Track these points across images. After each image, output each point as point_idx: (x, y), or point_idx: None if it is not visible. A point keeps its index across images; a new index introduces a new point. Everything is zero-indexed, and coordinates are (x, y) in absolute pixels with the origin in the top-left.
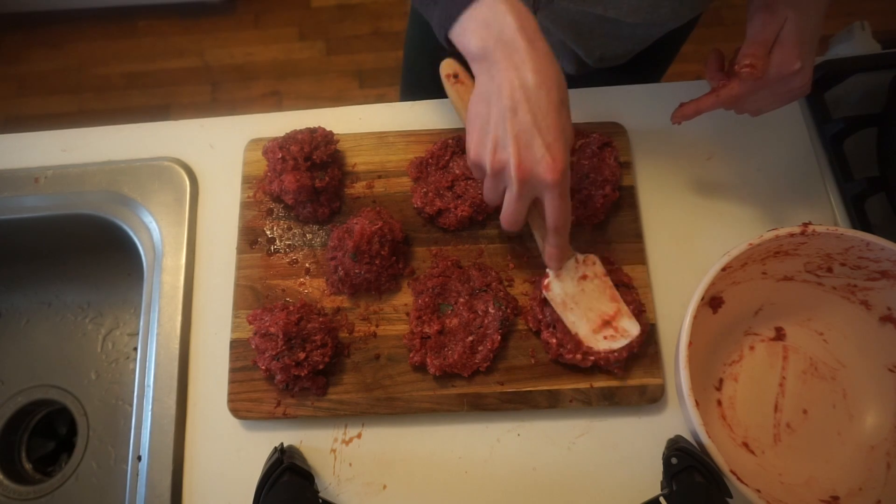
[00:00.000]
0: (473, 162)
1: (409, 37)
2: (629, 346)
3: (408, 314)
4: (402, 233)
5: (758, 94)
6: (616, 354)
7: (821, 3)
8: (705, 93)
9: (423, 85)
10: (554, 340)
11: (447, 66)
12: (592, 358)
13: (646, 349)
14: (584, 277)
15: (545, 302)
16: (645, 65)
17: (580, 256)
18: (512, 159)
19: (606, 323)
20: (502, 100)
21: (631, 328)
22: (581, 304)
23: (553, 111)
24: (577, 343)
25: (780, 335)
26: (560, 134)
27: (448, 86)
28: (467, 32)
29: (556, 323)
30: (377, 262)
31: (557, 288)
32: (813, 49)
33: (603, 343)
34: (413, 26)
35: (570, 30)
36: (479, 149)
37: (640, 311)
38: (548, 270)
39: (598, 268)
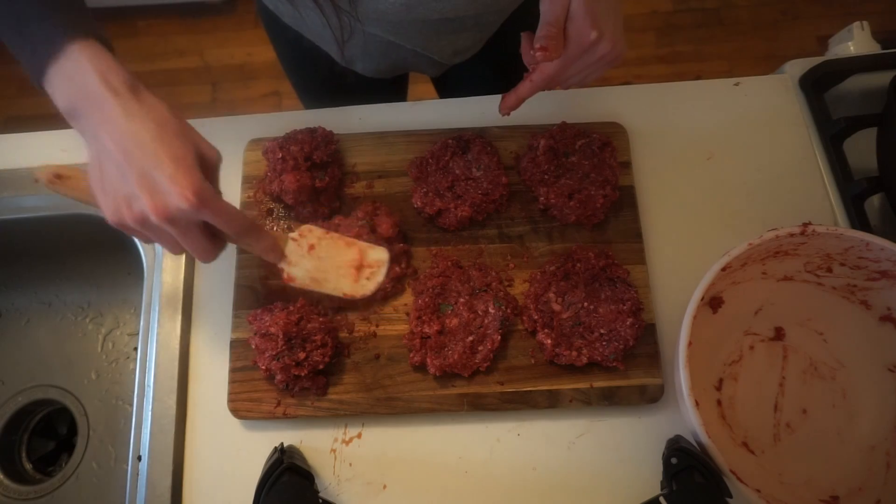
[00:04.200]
0: (119, 227)
1: (283, 59)
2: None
3: (408, 314)
4: (394, 229)
5: (571, 68)
6: (389, 285)
7: None
8: (522, 81)
9: (323, 98)
10: (549, 341)
11: (42, 174)
12: (587, 357)
13: (645, 349)
14: (312, 247)
15: (539, 301)
16: (506, 52)
17: (293, 234)
18: (146, 208)
19: (359, 267)
20: (113, 156)
21: (381, 255)
22: (327, 269)
23: (160, 145)
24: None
25: (779, 335)
26: (177, 162)
27: (56, 189)
28: (54, 88)
29: (553, 323)
30: None
31: (298, 272)
32: (611, 15)
33: (370, 284)
34: (280, 51)
35: (415, 39)
36: (116, 213)
37: (639, 309)
38: (280, 265)
39: (317, 230)
